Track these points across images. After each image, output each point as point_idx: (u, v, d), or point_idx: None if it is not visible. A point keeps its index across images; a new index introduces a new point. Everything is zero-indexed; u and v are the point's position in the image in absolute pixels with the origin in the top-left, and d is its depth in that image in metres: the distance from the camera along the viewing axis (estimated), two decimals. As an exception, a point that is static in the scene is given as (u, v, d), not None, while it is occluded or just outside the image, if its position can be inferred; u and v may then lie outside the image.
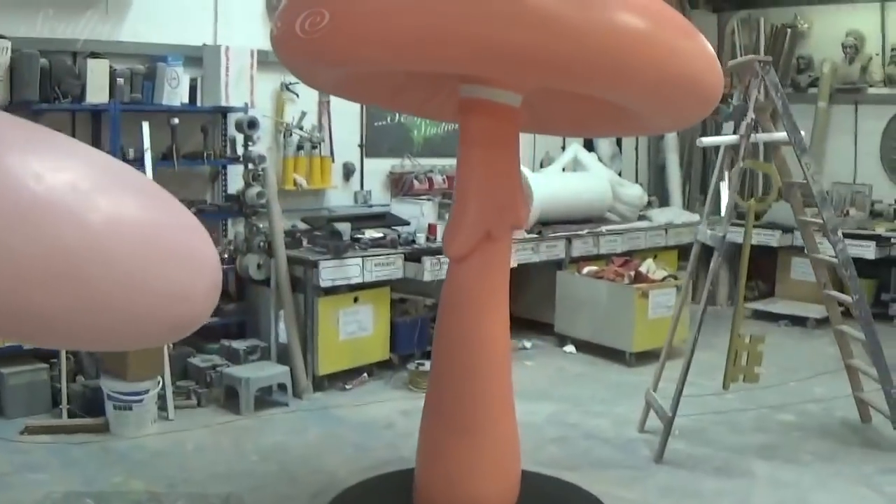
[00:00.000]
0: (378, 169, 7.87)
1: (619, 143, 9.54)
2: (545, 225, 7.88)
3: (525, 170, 7.82)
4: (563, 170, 8.56)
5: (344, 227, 6.55)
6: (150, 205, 2.55)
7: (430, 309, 7.28)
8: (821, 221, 5.38)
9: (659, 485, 4.86)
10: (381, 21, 3.27)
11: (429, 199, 7.60)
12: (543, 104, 4.35)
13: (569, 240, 7.93)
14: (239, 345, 6.42)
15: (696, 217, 9.19)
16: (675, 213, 9.09)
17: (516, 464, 4.34)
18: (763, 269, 9.17)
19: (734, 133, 5.51)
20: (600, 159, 9.15)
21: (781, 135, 5.42)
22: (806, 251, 5.84)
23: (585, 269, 7.75)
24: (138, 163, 5.92)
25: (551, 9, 3.20)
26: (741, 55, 9.28)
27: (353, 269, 6.43)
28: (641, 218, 8.76)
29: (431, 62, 3.57)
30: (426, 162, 8.11)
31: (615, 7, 3.36)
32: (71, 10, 6.01)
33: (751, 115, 5.20)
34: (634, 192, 8.64)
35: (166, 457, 5.17)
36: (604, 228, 8.21)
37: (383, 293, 6.79)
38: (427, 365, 6.58)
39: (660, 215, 8.82)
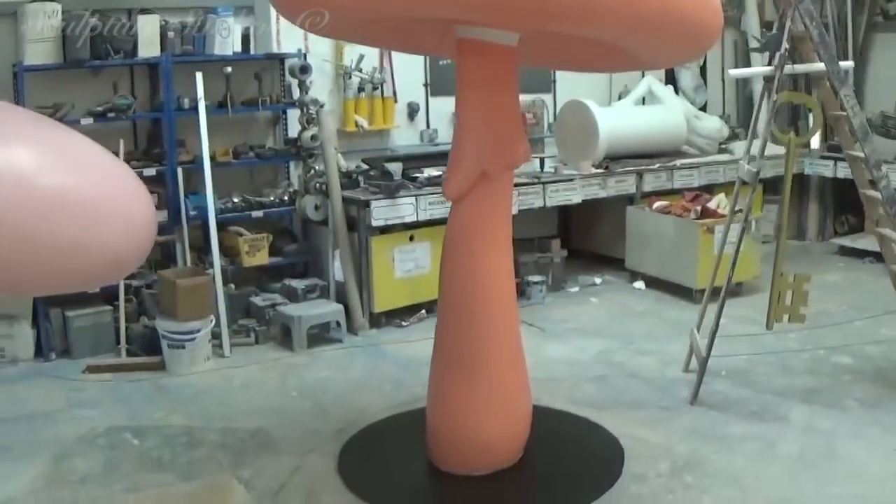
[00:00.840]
0: (445, 108, 7.84)
1: (703, 73, 9.19)
2: (614, 160, 7.74)
3: (590, 103, 7.69)
4: (637, 103, 8.33)
5: (395, 167, 6.62)
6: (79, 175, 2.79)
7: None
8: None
9: (685, 427, 4.78)
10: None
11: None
12: (536, 40, 4.26)
13: (640, 174, 7.77)
14: (298, 284, 6.62)
15: (782, 150, 8.83)
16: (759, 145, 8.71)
17: (524, 403, 4.36)
18: (855, 202, 8.73)
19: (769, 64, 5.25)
20: (682, 91, 8.87)
21: (819, 66, 5.13)
22: (857, 187, 5.54)
23: (656, 204, 7.59)
24: (193, 111, 6.15)
25: None
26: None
27: (405, 209, 6.51)
28: (722, 151, 8.47)
29: (412, 9, 3.56)
30: (494, 98, 8.02)
31: None
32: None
33: (785, 45, 4.95)
34: (712, 125, 8.35)
35: (211, 393, 5.43)
36: (678, 162, 7.99)
37: (442, 231, 6.81)
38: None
39: (742, 148, 8.48)
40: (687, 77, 9.00)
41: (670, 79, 8.90)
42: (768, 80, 5.19)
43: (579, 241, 8.40)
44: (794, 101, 7.58)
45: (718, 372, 5.47)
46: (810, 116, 8.76)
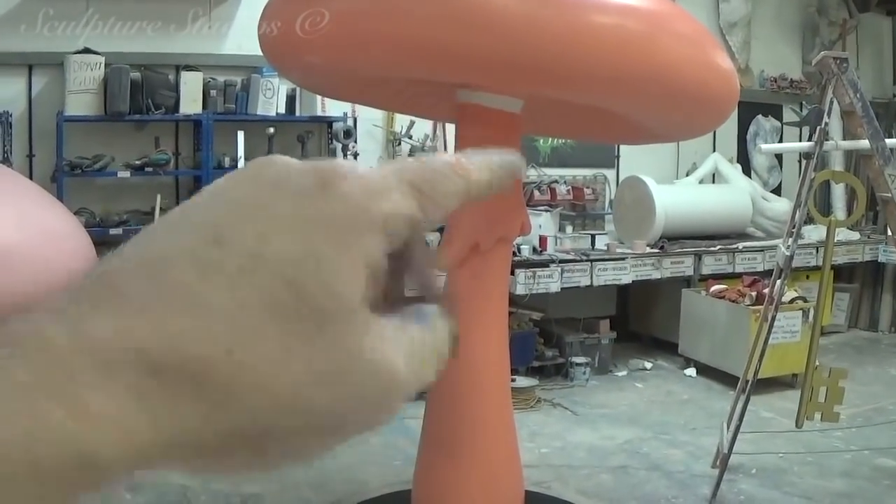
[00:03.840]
0: (499, 179, 7.75)
1: (779, 155, 8.87)
2: (672, 240, 7.47)
3: (648, 180, 7.48)
4: (702, 181, 8.07)
5: (433, 237, 6.51)
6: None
7: (537, 324, 7.11)
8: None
9: (694, 527, 4.48)
10: (381, 23, 3.18)
11: (547, 210, 7.42)
12: (542, 107, 4.13)
13: (698, 256, 7.47)
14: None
15: (856, 235, 8.41)
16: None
17: (513, 489, 4.13)
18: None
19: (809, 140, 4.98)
20: (754, 171, 8.57)
21: (864, 143, 4.84)
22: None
23: (713, 288, 7.27)
24: (231, 171, 6.19)
25: (519, 12, 3.03)
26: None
27: (441, 280, 6.37)
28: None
29: (391, 69, 3.50)
30: (553, 172, 7.91)
31: (601, 11, 3.15)
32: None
33: (825, 119, 4.68)
34: (781, 207, 8.01)
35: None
36: (740, 245, 7.66)
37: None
38: (516, 380, 6.46)
39: (814, 232, 8.10)
40: (760, 157, 8.69)
41: (743, 158, 8.62)
42: (807, 156, 4.92)
43: (637, 324, 8.12)
44: (836, 181, 7.15)
45: (749, 470, 5.12)
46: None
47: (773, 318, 4.85)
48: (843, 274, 8.63)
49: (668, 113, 3.62)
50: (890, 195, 4.90)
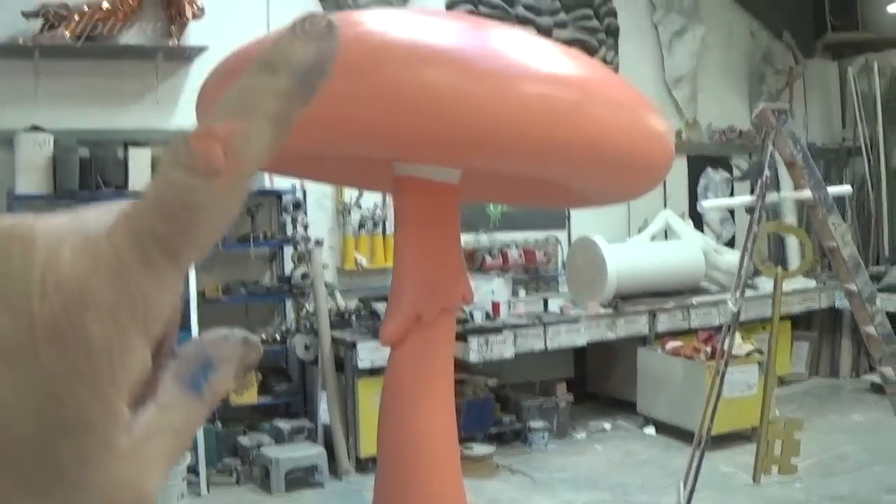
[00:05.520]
0: (451, 245, 7.76)
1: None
2: (626, 299, 7.47)
3: (599, 239, 7.50)
4: (654, 238, 8.12)
5: (382, 307, 6.47)
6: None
7: (493, 390, 7.06)
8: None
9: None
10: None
11: (499, 276, 7.41)
12: (478, 175, 4.13)
13: (653, 314, 7.48)
14: (285, 424, 6.44)
15: (812, 283, 8.48)
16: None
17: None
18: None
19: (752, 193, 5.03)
20: (707, 224, 8.64)
21: (807, 193, 4.88)
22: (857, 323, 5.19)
23: (669, 345, 7.27)
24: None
25: (442, 86, 3.02)
26: (859, 104, 8.56)
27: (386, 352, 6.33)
28: (748, 287, 8.13)
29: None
30: (504, 236, 7.92)
31: (527, 80, 3.15)
32: (123, 102, 6.37)
33: (766, 172, 4.73)
34: (733, 260, 8.02)
35: (171, 536, 5.24)
36: (694, 300, 7.68)
37: (435, 373, 6.62)
38: (473, 448, 6.39)
39: (769, 283, 8.14)
40: (714, 210, 8.77)
41: (694, 212, 8.69)
42: (749, 210, 4.96)
43: (595, 384, 8.09)
44: (782, 233, 7.20)
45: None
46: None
47: (724, 373, 4.84)
48: (801, 322, 8.68)
49: (600, 180, 3.62)
50: (835, 243, 4.93)
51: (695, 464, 4.84)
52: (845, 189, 5.76)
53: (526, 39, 3.33)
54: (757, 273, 8.39)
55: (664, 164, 3.66)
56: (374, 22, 3.08)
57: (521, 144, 3.16)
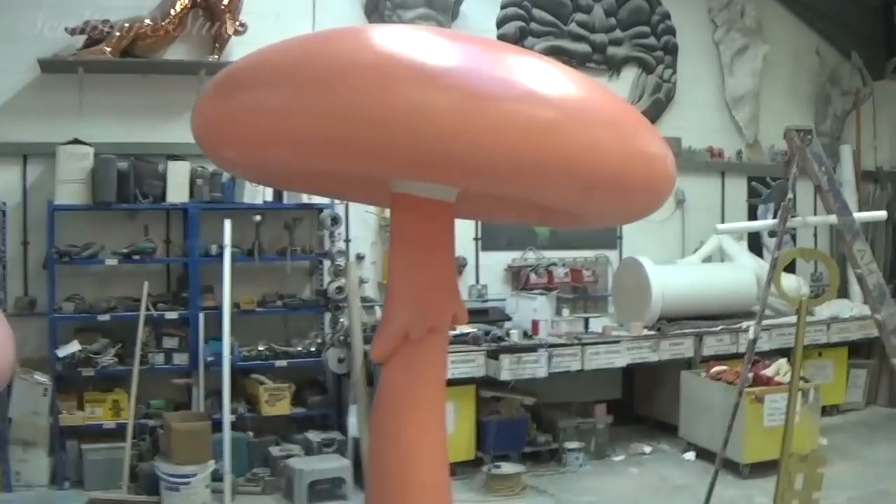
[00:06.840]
0: (496, 262, 7.74)
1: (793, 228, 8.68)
2: (671, 321, 7.31)
3: (645, 261, 7.36)
4: (706, 260, 7.93)
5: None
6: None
7: (530, 409, 6.97)
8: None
9: None
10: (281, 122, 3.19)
11: (542, 294, 7.33)
12: (475, 194, 4.09)
13: (699, 337, 7.30)
14: (315, 436, 6.49)
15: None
16: (844, 305, 8.10)
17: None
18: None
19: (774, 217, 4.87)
20: (765, 247, 8.38)
21: (833, 217, 4.71)
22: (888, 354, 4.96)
23: (713, 370, 7.07)
24: (219, 258, 6.24)
25: (422, 105, 2.99)
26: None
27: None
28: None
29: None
30: (552, 254, 7.84)
31: (506, 98, 3.09)
32: (162, 117, 6.55)
33: (790, 194, 4.58)
34: (788, 284, 7.77)
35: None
36: (744, 324, 7.45)
37: (467, 390, 6.61)
38: (502, 467, 6.33)
39: (825, 309, 7.87)
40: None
41: (754, 234, 8.45)
42: (772, 234, 4.80)
43: (641, 407, 7.93)
44: (805, 258, 6.87)
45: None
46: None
47: (737, 403, 4.71)
48: (860, 350, 8.35)
49: (582, 201, 3.52)
50: (860, 271, 4.75)
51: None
52: (880, 214, 5.52)
53: (513, 57, 3.26)
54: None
55: (660, 186, 3.54)
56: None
57: (492, 163, 3.09)
